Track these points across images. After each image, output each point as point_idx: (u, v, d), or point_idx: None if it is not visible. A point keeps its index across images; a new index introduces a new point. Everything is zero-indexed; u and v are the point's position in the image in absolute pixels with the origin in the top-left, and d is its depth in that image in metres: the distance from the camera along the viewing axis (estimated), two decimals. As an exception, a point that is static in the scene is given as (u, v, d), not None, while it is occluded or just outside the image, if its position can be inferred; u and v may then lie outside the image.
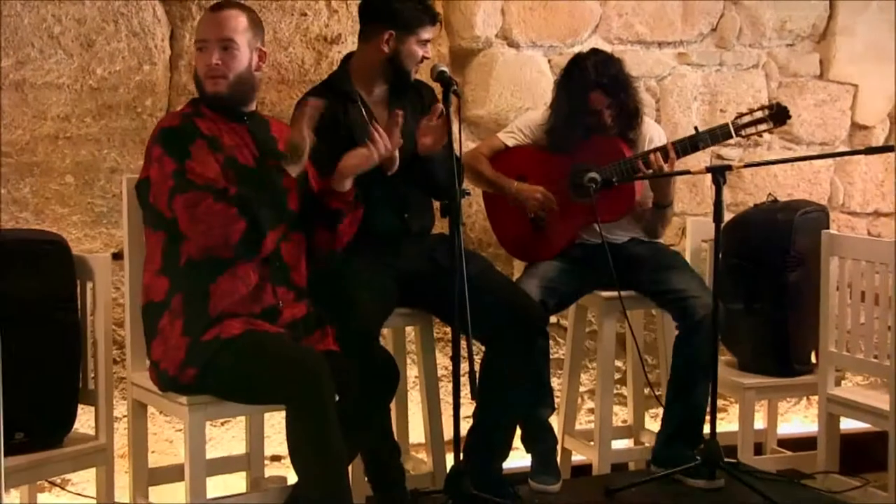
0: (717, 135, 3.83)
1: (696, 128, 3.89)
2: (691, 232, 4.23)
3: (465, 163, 3.70)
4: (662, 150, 3.80)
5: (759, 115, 3.81)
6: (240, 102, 3.15)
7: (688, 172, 3.73)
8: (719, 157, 4.70)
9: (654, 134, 4.00)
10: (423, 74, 3.57)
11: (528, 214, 3.96)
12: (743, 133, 3.84)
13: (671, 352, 3.86)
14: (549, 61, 4.45)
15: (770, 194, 4.27)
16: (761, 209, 4.17)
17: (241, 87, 3.13)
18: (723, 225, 3.54)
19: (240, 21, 3.11)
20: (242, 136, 3.15)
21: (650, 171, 3.78)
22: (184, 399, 3.04)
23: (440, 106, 3.34)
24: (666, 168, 3.77)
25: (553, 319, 4.24)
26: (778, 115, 3.82)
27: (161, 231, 3.06)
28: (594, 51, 3.95)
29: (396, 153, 3.31)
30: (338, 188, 3.17)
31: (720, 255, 3.57)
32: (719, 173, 3.51)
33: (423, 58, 3.54)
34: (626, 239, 4.00)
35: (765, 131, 3.84)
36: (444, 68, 3.22)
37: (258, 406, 3.18)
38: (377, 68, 3.54)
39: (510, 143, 4.04)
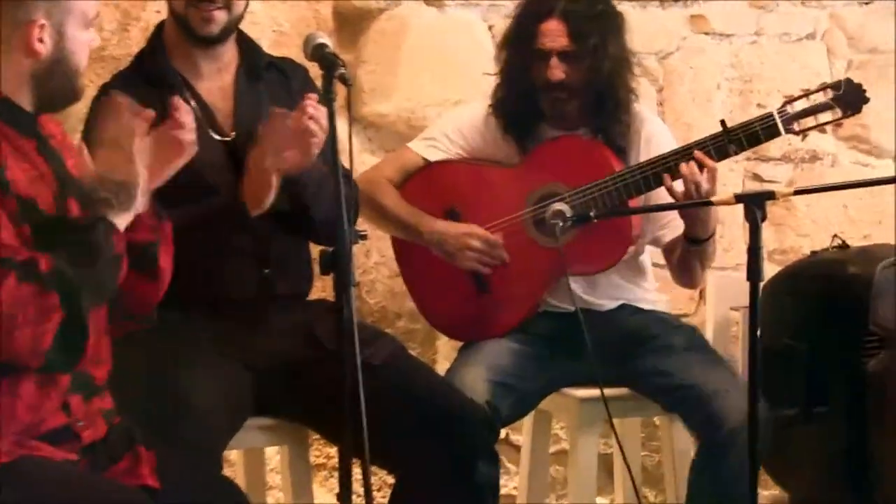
0: (756, 131, 3.80)
1: (722, 122, 3.84)
2: (715, 296, 4.29)
3: (360, 189, 3.73)
4: (686, 154, 3.77)
5: (818, 98, 3.80)
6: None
7: (708, 203, 3.74)
8: (756, 177, 4.76)
9: (655, 134, 4.02)
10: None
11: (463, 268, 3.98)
12: (796, 127, 3.79)
13: (684, 483, 3.89)
14: (491, 28, 4.50)
15: (836, 236, 4.33)
16: (824, 260, 4.23)
17: None
18: (763, 284, 3.56)
19: None
20: (33, 160, 3.09)
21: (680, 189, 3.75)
22: None
23: (313, 98, 3.36)
24: (704, 185, 3.73)
25: (502, 434, 4.25)
26: (849, 98, 3.79)
27: None
28: None
29: (272, 182, 3.37)
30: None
31: (759, 332, 3.60)
32: (756, 204, 3.52)
33: None
34: (614, 305, 4.04)
35: (830, 124, 3.83)
36: (325, 40, 3.19)
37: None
38: (173, 29, 3.62)
39: (431, 156, 4.06)
